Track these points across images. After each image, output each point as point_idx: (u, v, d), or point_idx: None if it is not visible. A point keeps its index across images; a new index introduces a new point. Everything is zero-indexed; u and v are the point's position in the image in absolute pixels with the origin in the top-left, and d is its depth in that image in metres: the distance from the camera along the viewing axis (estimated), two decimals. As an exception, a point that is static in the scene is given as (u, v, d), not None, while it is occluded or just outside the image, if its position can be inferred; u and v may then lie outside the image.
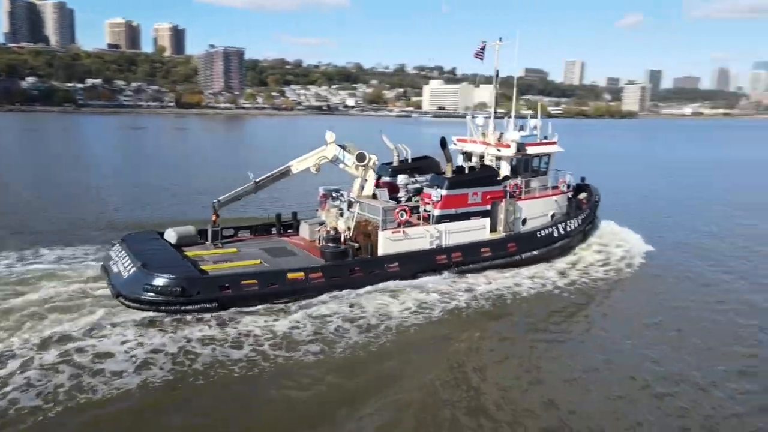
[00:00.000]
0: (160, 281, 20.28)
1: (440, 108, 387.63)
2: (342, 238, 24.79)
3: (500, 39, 31.30)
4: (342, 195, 27.34)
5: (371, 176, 27.34)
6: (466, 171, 29.20)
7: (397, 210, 25.45)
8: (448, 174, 27.79)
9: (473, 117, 31.70)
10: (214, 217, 25.82)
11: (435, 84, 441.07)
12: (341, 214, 26.29)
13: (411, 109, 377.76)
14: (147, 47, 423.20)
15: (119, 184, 55.60)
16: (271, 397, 16.49)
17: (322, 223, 27.00)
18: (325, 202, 28.11)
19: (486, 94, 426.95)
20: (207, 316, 20.55)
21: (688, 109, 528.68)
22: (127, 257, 22.02)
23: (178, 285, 20.24)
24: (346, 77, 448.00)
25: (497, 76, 32.46)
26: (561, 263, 29.54)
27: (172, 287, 20.14)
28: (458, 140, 31.84)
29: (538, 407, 16.23)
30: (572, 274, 28.21)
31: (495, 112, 32.11)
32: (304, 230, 27.62)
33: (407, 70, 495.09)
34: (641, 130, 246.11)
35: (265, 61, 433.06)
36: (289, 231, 28.80)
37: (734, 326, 22.61)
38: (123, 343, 18.43)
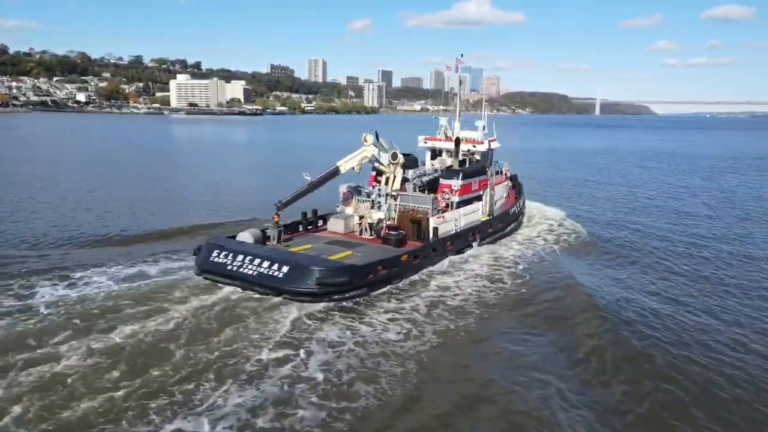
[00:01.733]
0: (329, 273, 21.64)
1: (192, 104, 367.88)
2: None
3: (461, 55, 36.18)
4: (373, 190, 29.52)
5: (399, 172, 29.80)
6: (466, 165, 33.91)
7: (440, 199, 29.92)
8: (456, 167, 32.74)
9: (438, 118, 36.41)
10: (276, 218, 26.62)
11: (182, 79, 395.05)
12: (379, 207, 28.63)
13: (158, 105, 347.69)
14: None
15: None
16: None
17: (362, 217, 29.01)
18: (351, 198, 30.03)
19: (239, 89, 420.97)
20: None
21: (417, 106, 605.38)
22: (257, 258, 22.63)
23: (344, 275, 21.88)
24: (71, 68, 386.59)
25: (460, 83, 36.56)
26: (532, 232, 36.54)
27: (341, 277, 21.73)
28: (427, 139, 35.71)
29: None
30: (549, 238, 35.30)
31: (458, 111, 36.11)
32: (337, 225, 29.21)
33: (145, 62, 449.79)
34: (388, 123, 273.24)
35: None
36: (308, 228, 29.91)
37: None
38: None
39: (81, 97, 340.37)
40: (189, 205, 45.12)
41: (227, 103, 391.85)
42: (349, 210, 29.64)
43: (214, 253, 23.44)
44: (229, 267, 22.75)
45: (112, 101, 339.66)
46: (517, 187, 41.09)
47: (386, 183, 29.63)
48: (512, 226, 35.80)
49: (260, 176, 67.84)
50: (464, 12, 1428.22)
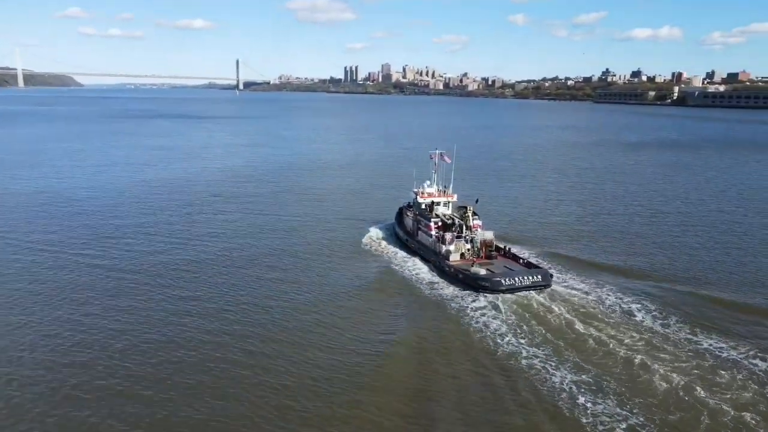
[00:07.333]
0: (550, 275, 45.90)
1: None
2: None
3: None
4: (465, 233, 53.31)
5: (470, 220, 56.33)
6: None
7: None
8: (468, 213, 57.27)
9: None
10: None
11: None
12: (470, 241, 52.59)
13: None
14: None
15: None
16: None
17: (469, 249, 51.85)
18: (452, 239, 52.30)
19: None
20: None
21: None
22: (520, 275, 45.25)
23: (550, 275, 45.71)
24: None
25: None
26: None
27: (551, 276, 45.75)
28: (427, 195, 61.81)
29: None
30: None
31: None
32: (457, 256, 50.98)
33: None
34: None
35: None
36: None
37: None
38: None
39: None
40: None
41: None
42: (452, 247, 50.12)
43: (497, 279, 42.54)
44: (511, 283, 42.75)
45: None
46: None
47: (468, 228, 50.79)
48: None
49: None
50: None
